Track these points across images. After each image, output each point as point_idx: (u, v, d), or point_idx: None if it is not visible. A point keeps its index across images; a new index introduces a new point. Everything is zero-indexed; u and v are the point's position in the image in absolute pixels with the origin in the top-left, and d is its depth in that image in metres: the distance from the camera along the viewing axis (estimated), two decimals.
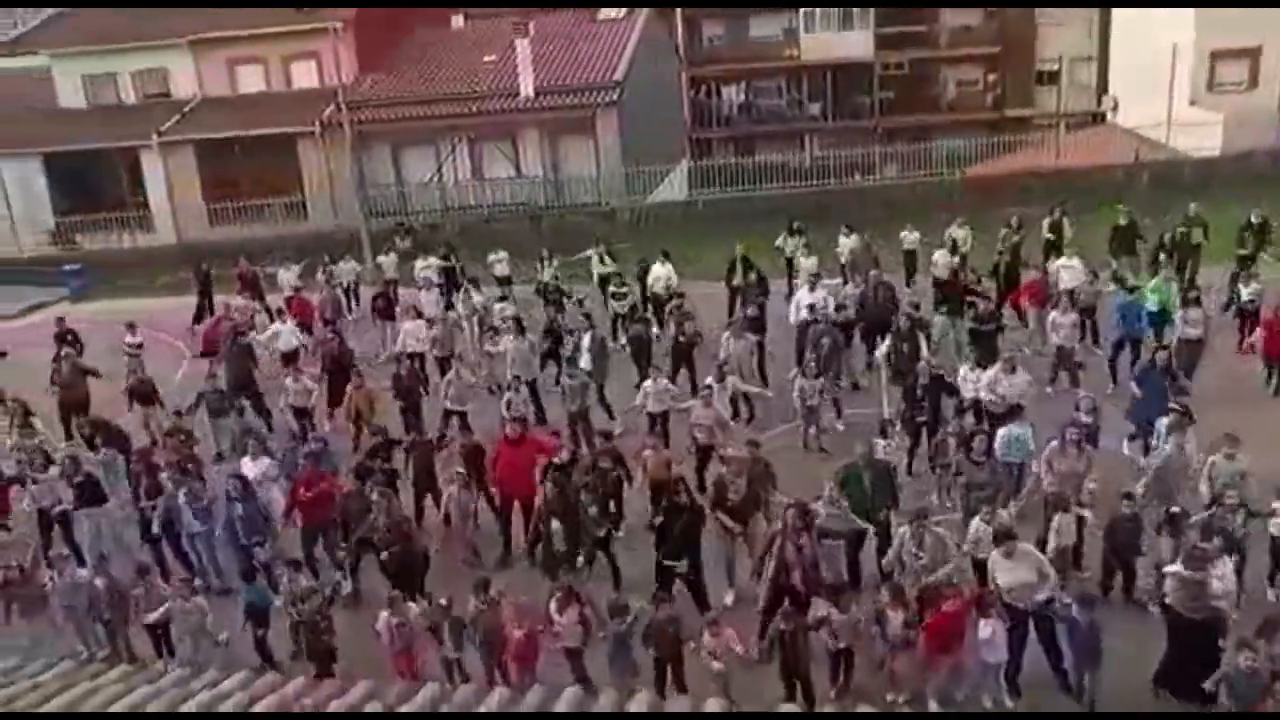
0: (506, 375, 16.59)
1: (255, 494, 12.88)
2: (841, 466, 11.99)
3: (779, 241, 22.29)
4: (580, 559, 12.29)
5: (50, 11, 51.08)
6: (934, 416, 14.01)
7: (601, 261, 22.46)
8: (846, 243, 22.13)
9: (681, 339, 17.16)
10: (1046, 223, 21.60)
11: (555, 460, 13.17)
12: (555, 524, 12.03)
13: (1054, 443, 11.99)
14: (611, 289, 20.76)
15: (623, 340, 18.94)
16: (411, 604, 10.53)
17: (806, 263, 20.52)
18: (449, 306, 21.14)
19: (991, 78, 45.87)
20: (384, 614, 10.31)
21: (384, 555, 11.70)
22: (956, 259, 19.84)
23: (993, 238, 20.83)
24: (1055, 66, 44.25)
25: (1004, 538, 9.97)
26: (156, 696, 6.36)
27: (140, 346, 20.10)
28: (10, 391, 17.61)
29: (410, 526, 12.30)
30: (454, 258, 24.01)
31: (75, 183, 34.80)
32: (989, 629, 9.52)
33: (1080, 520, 11.07)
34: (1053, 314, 16.58)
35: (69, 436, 17.73)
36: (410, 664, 10.20)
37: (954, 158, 33.33)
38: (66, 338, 20.00)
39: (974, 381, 14.25)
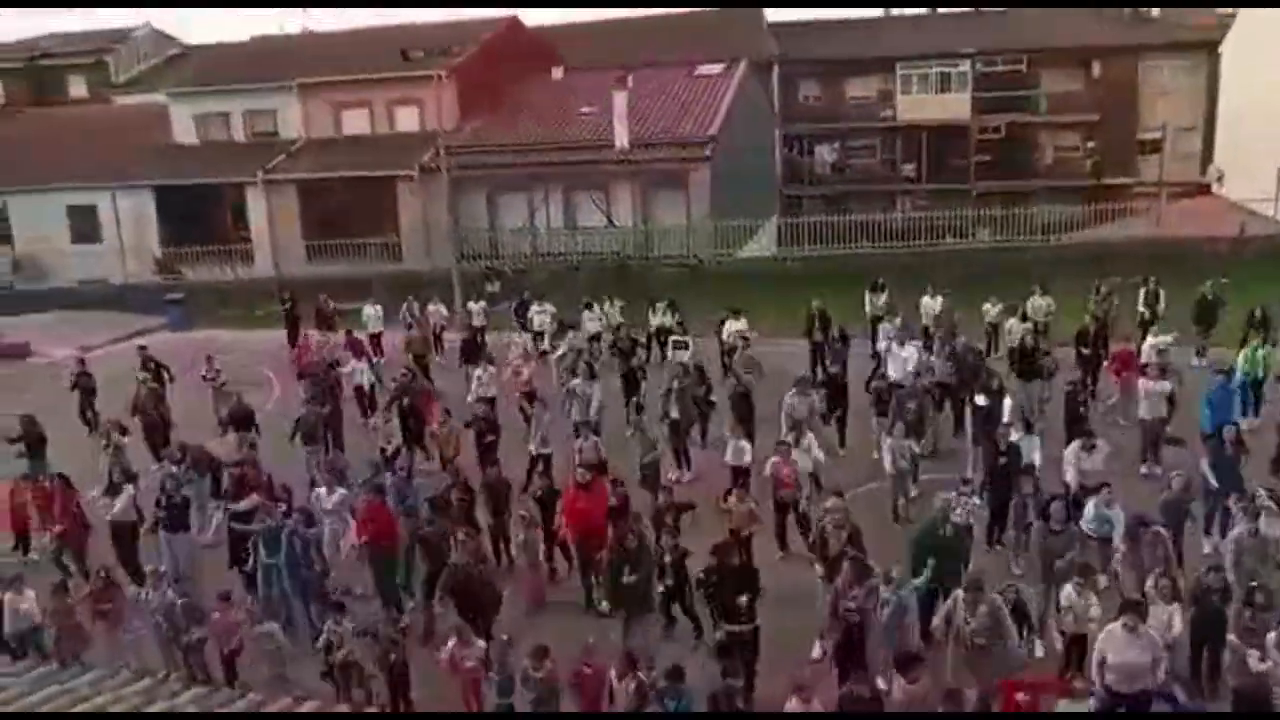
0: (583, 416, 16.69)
1: (316, 527, 13.01)
2: (917, 528, 11.70)
3: (866, 303, 22.14)
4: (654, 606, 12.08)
5: (170, 52, 53.71)
6: (1011, 484, 13.63)
7: (666, 313, 22.53)
8: (929, 304, 21.87)
9: (739, 389, 17.30)
10: (1142, 293, 21.11)
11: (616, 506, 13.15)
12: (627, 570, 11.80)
13: (1121, 543, 11.45)
14: (673, 340, 20.76)
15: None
16: (480, 641, 10.52)
17: (888, 326, 20.26)
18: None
19: (1091, 144, 45.15)
20: (450, 643, 10.34)
21: (449, 585, 11.62)
22: (1028, 325, 19.41)
23: (1083, 307, 20.41)
24: (1158, 135, 43.40)
25: (1130, 609, 9.21)
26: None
27: (218, 375, 20.59)
28: (108, 414, 18.31)
29: (487, 565, 12.23)
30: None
31: (182, 215, 36.19)
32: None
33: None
34: (1143, 383, 16.08)
35: (157, 459, 18.26)
36: (477, 696, 10.17)
37: (1049, 224, 32.79)
38: (148, 365, 20.63)
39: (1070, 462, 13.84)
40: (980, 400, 16.04)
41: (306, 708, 6.53)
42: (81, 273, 35.90)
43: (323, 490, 13.89)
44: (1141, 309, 20.76)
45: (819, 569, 11.59)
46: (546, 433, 16.22)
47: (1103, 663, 9.25)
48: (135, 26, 55.00)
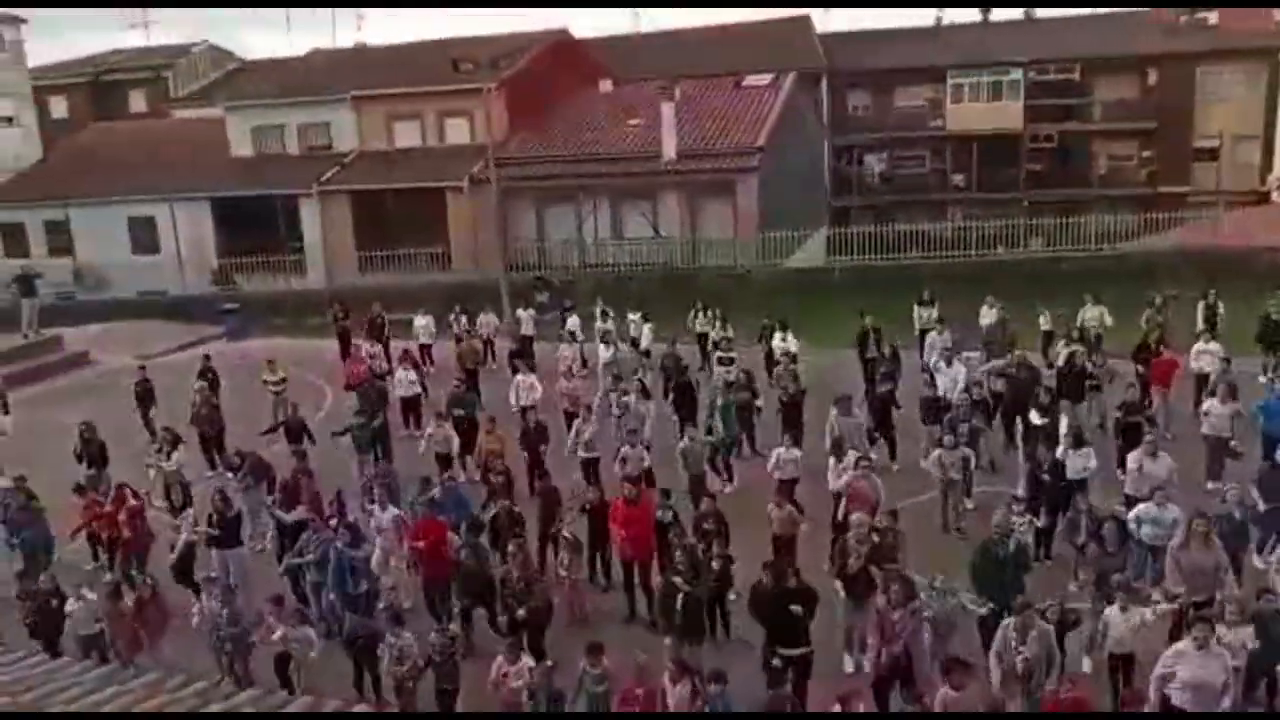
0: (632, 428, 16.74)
1: (364, 541, 13.11)
2: (976, 549, 11.55)
3: (915, 315, 21.97)
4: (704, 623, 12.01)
5: (229, 67, 54.81)
6: (1055, 500, 13.44)
7: (712, 323, 22.53)
8: (988, 315, 21.65)
9: (784, 399, 17.35)
10: (1201, 306, 20.66)
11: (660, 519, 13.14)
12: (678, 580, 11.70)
13: (1177, 537, 11.18)
14: (719, 354, 20.63)
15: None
16: (526, 657, 10.53)
17: (938, 339, 19.96)
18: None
19: (1146, 153, 44.53)
20: (499, 659, 10.39)
21: (516, 610, 11.63)
22: (1077, 346, 18.75)
23: (1140, 319, 20.13)
24: (1216, 143, 42.70)
25: (1201, 624, 8.95)
26: None
27: (283, 383, 20.92)
28: (163, 422, 18.70)
29: (540, 581, 12.12)
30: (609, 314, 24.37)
31: (238, 227, 36.85)
32: None
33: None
34: (1207, 402, 15.82)
35: (212, 466, 18.56)
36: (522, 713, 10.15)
37: (1103, 234, 32.35)
38: (207, 375, 20.98)
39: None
40: (1034, 417, 15.84)
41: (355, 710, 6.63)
42: (141, 283, 36.66)
43: (376, 508, 13.92)
44: (1200, 323, 20.23)
45: (838, 585, 11.51)
46: (592, 439, 16.28)
47: (1166, 678, 8.97)
48: (195, 43, 56.20)
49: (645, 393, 17.93)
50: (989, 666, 9.82)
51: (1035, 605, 9.90)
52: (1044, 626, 9.82)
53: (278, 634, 11.27)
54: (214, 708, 6.74)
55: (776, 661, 10.45)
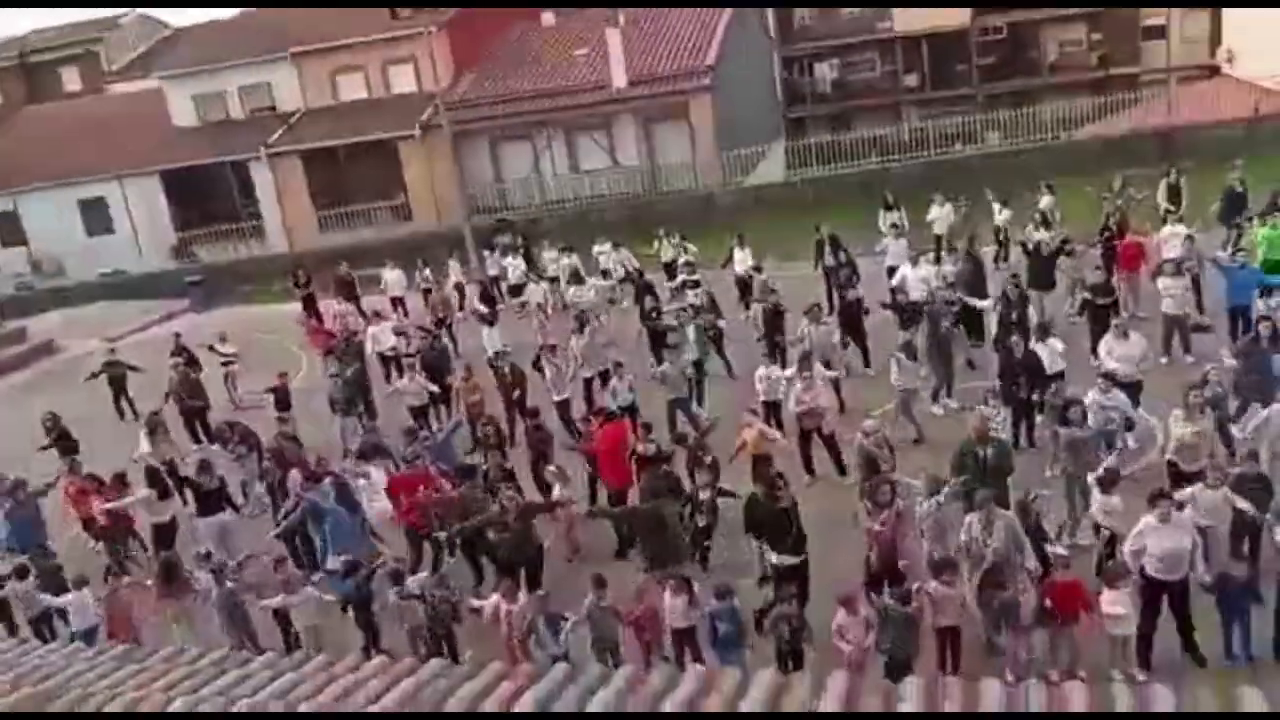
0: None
1: (353, 500, 13.21)
2: (959, 445, 11.75)
3: (880, 220, 22.00)
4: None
5: (159, 35, 53.46)
6: (1031, 389, 13.66)
7: (678, 248, 22.57)
8: (939, 212, 21.69)
9: (767, 308, 17.33)
10: (1163, 185, 20.73)
11: (641, 452, 13.23)
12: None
13: (1177, 410, 11.49)
14: (683, 278, 20.65)
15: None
16: (522, 593, 10.71)
17: (895, 245, 19.97)
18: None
19: (1095, 36, 44.41)
20: (494, 597, 10.55)
21: (507, 552, 11.74)
22: (1052, 234, 18.83)
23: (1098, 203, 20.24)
24: (1162, 20, 42.59)
25: (1160, 500, 9.38)
26: (301, 682, 6.65)
27: (235, 356, 20.97)
28: (141, 401, 18.62)
29: (528, 517, 12.15)
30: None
31: (192, 198, 36.34)
32: (1117, 602, 9.22)
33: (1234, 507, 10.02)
34: (1160, 280, 15.96)
35: (196, 442, 18.53)
36: (525, 651, 10.29)
37: (1059, 121, 32.39)
38: (182, 353, 20.79)
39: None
40: (976, 303, 15.97)
41: (369, 668, 6.73)
42: (99, 265, 36.16)
43: (371, 467, 14.04)
44: (1163, 202, 20.32)
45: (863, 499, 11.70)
46: (559, 379, 16.38)
47: (1138, 552, 9.41)
48: (121, 14, 54.70)
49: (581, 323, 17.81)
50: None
51: (989, 499, 10.03)
52: (1008, 516, 9.99)
53: (277, 600, 11.40)
54: (231, 675, 6.82)
55: (772, 565, 10.67)
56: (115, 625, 11.89)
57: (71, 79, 52.63)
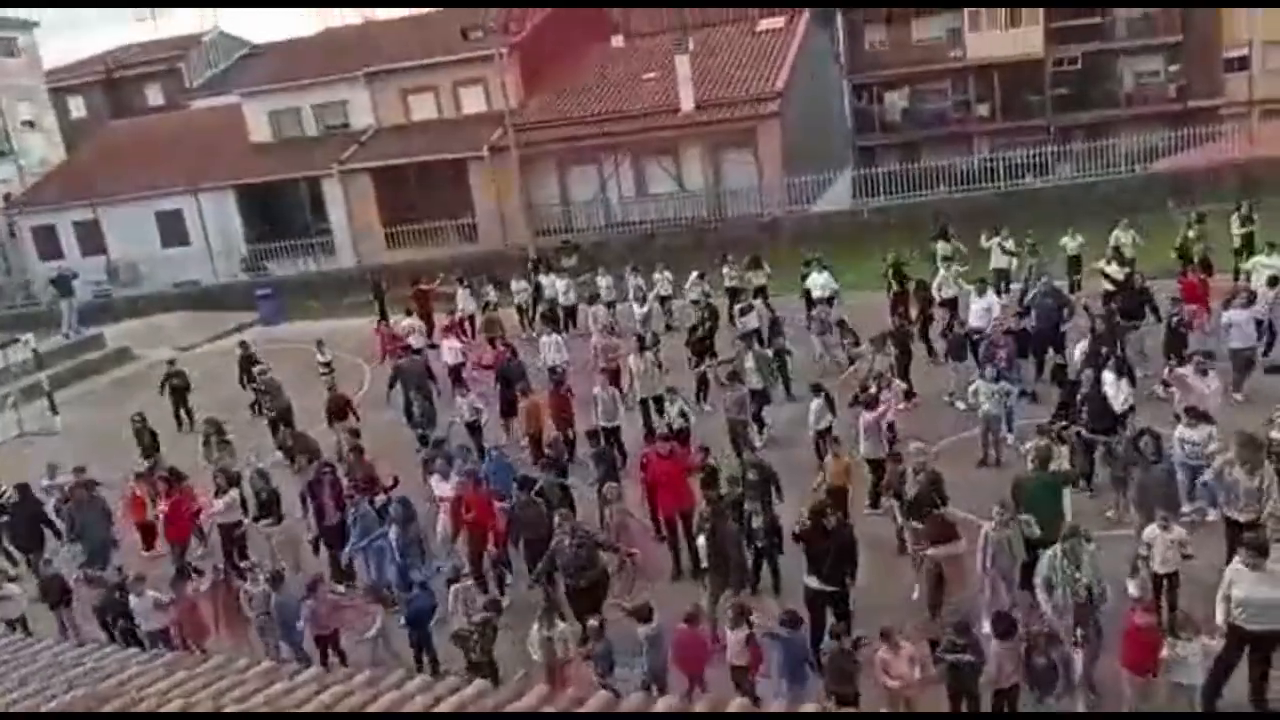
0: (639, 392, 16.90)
1: (415, 518, 13.21)
2: (1015, 479, 11.49)
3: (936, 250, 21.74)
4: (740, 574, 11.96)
5: (240, 53, 54.84)
6: (1106, 428, 13.29)
7: (760, 273, 22.48)
8: (999, 245, 21.37)
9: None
10: (1236, 219, 20.24)
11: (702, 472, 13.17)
12: (701, 540, 11.64)
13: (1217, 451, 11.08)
14: (739, 305, 20.60)
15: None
16: (561, 621, 10.57)
17: (949, 276, 19.72)
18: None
19: (1174, 68, 43.55)
20: (534, 628, 10.42)
21: (579, 580, 11.56)
22: (1124, 268, 18.62)
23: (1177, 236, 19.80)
24: (1245, 51, 41.64)
25: (1248, 550, 8.85)
26: (347, 696, 6.64)
27: (330, 364, 21.11)
28: (205, 410, 18.94)
29: (595, 548, 11.87)
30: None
31: (264, 212, 37.11)
32: (1186, 650, 8.80)
33: None
34: (1227, 312, 15.51)
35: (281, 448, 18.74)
36: (563, 680, 10.06)
37: (1134, 154, 31.79)
38: (254, 361, 21.15)
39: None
40: (1077, 353, 15.54)
41: (413, 685, 6.73)
42: (174, 275, 37.06)
43: (436, 478, 14.13)
44: (1236, 234, 19.83)
45: (896, 512, 11.56)
46: (613, 404, 16.30)
47: (1226, 598, 8.96)
48: (204, 31, 56.25)
49: (643, 345, 17.74)
50: (1038, 600, 9.75)
51: (1080, 530, 9.81)
52: (1092, 550, 9.72)
53: (346, 613, 11.49)
54: (277, 687, 6.85)
55: (809, 586, 10.48)
56: (187, 630, 12.08)
57: (154, 94, 54.22)
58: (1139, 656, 8.97)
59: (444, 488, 13.90)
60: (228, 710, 6.45)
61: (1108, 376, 13.64)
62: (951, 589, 10.61)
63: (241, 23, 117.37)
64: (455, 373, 20.12)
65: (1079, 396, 13.49)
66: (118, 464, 17.56)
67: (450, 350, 20.53)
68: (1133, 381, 14.04)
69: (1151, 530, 10.26)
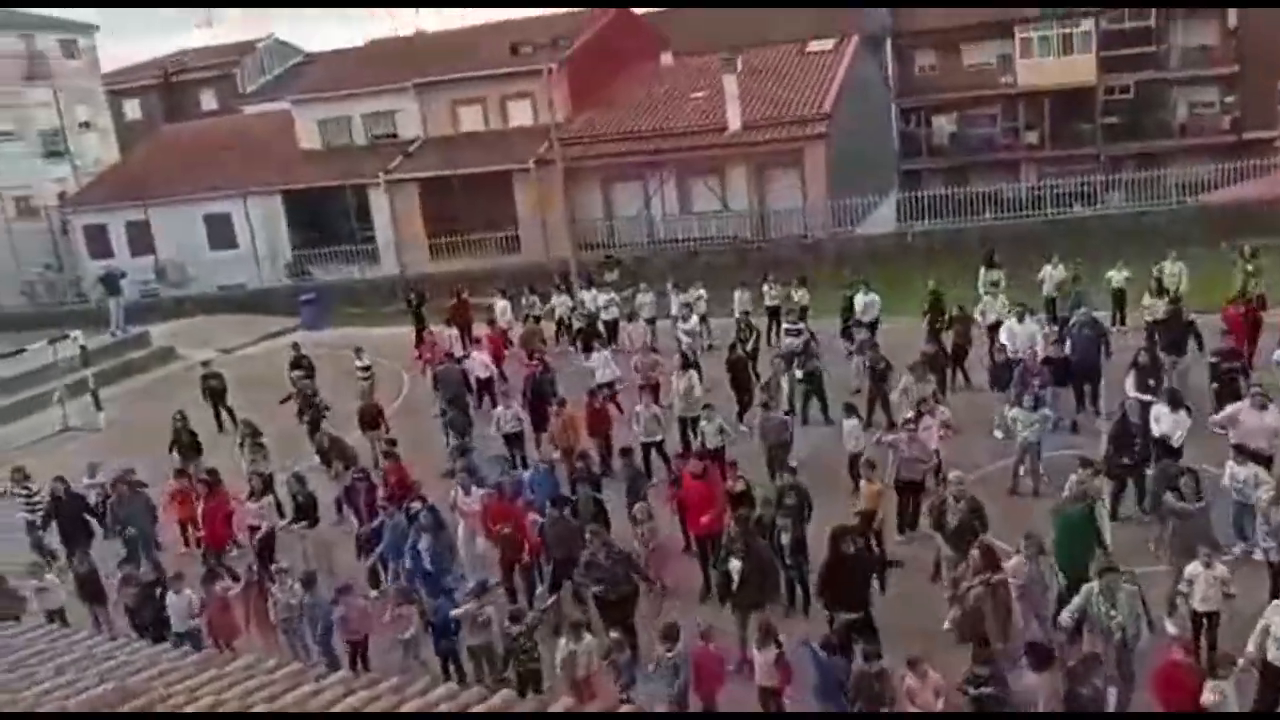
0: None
1: (445, 526, 13.23)
2: (1053, 509, 11.30)
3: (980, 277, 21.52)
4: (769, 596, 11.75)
5: (293, 61, 55.69)
6: (1143, 458, 13.05)
7: (794, 292, 22.41)
8: (1049, 273, 21.13)
9: (874, 367, 17.24)
10: None
11: (729, 489, 13.10)
12: (735, 563, 11.42)
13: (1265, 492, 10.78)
14: (785, 326, 20.49)
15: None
16: (588, 634, 10.53)
17: (994, 302, 19.54)
18: None
19: (1229, 99, 42.94)
20: (562, 641, 10.39)
21: (609, 594, 11.52)
22: (1165, 300, 18.39)
23: (1228, 270, 19.44)
24: None
25: None
26: (374, 701, 6.63)
27: (369, 369, 21.20)
28: (245, 413, 19.12)
29: (628, 562, 11.85)
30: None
31: (310, 219, 37.49)
32: (1217, 694, 8.48)
33: None
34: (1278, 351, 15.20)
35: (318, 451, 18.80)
36: (590, 693, 10.10)
37: (1186, 185, 31.31)
38: (300, 364, 21.36)
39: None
40: (1129, 387, 15.20)
41: (439, 693, 6.70)
42: (220, 277, 37.57)
43: (460, 491, 14.12)
44: None
45: (940, 540, 11.37)
46: (655, 420, 16.25)
47: (1265, 630, 8.76)
48: (260, 39, 57.16)
49: (686, 363, 17.81)
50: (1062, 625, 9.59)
51: (1119, 568, 9.60)
52: (1130, 589, 9.53)
53: (386, 616, 11.50)
54: (304, 689, 6.85)
55: (837, 624, 10.34)
56: (217, 630, 12.15)
57: (209, 99, 55.17)
58: (1174, 694, 8.76)
59: (467, 500, 13.86)
60: (256, 710, 6.46)
61: (1162, 410, 13.36)
62: (994, 625, 10.36)
63: (297, 31, 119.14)
64: (484, 386, 20.19)
65: (1121, 427, 13.26)
66: (158, 461, 17.75)
67: (480, 364, 20.53)
68: (1189, 412, 13.74)
69: (1194, 567, 10.03)
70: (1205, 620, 10.02)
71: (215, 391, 21.54)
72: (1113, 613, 9.29)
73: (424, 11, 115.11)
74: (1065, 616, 9.62)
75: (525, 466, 15.56)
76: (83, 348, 24.92)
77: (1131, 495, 13.22)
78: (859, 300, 21.04)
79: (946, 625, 10.96)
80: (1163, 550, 11.57)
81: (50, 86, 45.67)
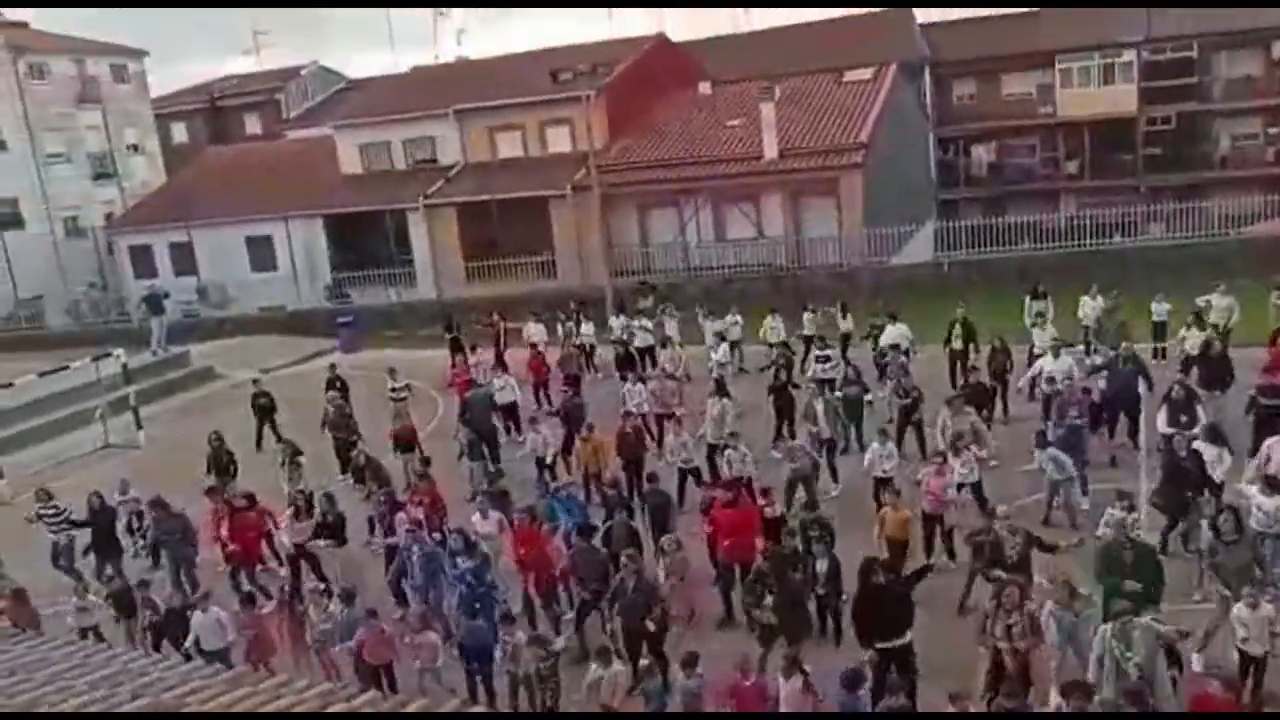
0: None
1: (478, 545, 13.18)
2: (1101, 546, 11.14)
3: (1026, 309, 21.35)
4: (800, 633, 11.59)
5: (336, 87, 56.52)
6: (1189, 494, 12.84)
7: (838, 318, 22.35)
8: (1090, 305, 20.92)
9: (903, 398, 17.22)
10: None
11: (768, 515, 13.10)
12: (769, 605, 11.37)
13: None
14: (816, 353, 20.52)
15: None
16: (617, 661, 10.49)
17: (1043, 335, 19.39)
18: None
19: (1273, 131, 42.49)
20: (593, 666, 10.37)
21: (642, 623, 11.46)
22: (1208, 332, 18.21)
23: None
24: None
25: None
26: None
27: (405, 390, 21.26)
28: (288, 433, 19.28)
29: (651, 593, 11.75)
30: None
31: (350, 242, 37.93)
32: None
33: None
34: None
35: (344, 472, 18.84)
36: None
37: (1229, 217, 30.96)
38: (335, 384, 21.55)
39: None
40: (1160, 423, 15.04)
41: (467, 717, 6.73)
42: (260, 299, 38.03)
43: (477, 516, 14.13)
44: None
45: (997, 572, 11.15)
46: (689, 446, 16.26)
47: None
48: (304, 65, 58.12)
49: (720, 389, 17.84)
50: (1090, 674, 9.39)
51: (1129, 610, 9.38)
52: (1145, 625, 9.31)
53: (407, 639, 11.53)
54: (336, 709, 6.89)
55: (872, 654, 10.18)
56: (254, 649, 12.24)
57: (253, 123, 56.11)
58: None
59: (485, 524, 13.89)
60: None
61: (1204, 446, 13.20)
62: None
63: (340, 58, 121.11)
64: (510, 411, 20.24)
65: (1171, 460, 13.13)
66: (197, 481, 17.92)
67: (506, 388, 20.52)
68: (1230, 449, 13.55)
69: (1240, 609, 9.87)
70: (1254, 664, 9.84)
71: (264, 409, 21.82)
72: (1129, 654, 9.13)
73: (466, 39, 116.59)
74: (1091, 671, 9.37)
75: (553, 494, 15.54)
76: (125, 366, 25.31)
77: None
78: (887, 333, 20.92)
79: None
80: (1205, 587, 11.43)
81: (100, 110, 46.69)
